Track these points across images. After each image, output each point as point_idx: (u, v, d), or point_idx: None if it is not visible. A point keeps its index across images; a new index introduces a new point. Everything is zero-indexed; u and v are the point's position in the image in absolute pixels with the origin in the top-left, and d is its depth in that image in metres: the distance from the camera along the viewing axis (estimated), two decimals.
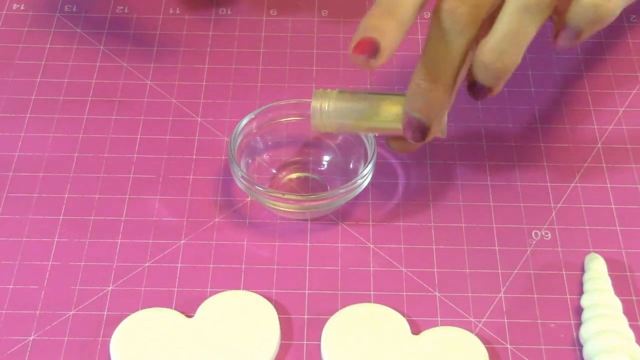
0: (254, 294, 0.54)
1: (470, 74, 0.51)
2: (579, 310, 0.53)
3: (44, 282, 0.55)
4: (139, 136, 0.62)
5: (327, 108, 0.54)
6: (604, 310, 0.52)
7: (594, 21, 0.49)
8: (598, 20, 0.49)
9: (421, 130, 0.52)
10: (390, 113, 0.53)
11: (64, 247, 0.56)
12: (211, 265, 0.56)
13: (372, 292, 0.54)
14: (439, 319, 0.53)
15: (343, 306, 0.53)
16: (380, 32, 0.49)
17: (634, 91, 0.65)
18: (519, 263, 0.56)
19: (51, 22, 0.70)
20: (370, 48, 0.49)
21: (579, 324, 0.53)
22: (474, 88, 0.51)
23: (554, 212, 0.58)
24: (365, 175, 0.56)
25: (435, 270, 0.55)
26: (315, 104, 0.54)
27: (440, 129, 0.53)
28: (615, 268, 0.55)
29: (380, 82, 0.65)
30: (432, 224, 0.58)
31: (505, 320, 0.53)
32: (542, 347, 0.52)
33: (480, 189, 0.59)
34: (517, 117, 0.63)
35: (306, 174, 0.60)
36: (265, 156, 0.60)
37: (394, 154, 0.61)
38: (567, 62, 0.67)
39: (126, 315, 0.52)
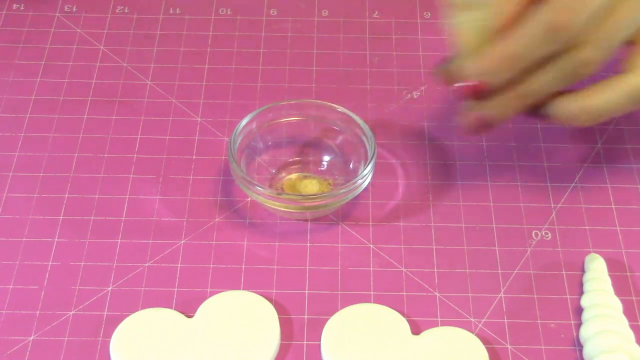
0: (254, 294, 0.54)
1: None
2: (579, 311, 0.53)
3: (44, 282, 0.55)
4: (139, 136, 0.62)
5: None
6: (604, 311, 0.52)
7: None
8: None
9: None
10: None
11: (64, 247, 0.56)
12: (211, 265, 0.56)
13: (372, 292, 0.54)
14: (439, 319, 0.53)
15: (343, 306, 0.53)
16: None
17: None
18: (519, 263, 0.56)
19: (51, 22, 0.70)
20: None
21: (579, 324, 0.53)
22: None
23: (554, 212, 0.58)
24: (365, 176, 0.56)
25: (435, 270, 0.55)
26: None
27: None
28: (615, 268, 0.55)
29: (379, 81, 0.65)
30: (432, 224, 0.58)
31: (505, 320, 0.53)
32: (542, 347, 0.52)
33: (480, 189, 0.59)
34: (517, 117, 0.63)
35: (306, 174, 0.60)
36: (265, 156, 0.60)
37: (394, 154, 0.61)
38: None
39: (126, 315, 0.52)
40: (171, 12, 0.71)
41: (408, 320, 0.52)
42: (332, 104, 0.59)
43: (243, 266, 0.56)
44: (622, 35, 0.52)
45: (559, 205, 0.59)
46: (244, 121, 0.58)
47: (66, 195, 0.59)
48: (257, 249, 0.56)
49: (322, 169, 0.60)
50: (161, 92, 0.65)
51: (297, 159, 0.60)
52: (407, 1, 0.71)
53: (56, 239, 0.57)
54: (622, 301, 0.53)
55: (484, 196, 0.59)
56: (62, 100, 0.64)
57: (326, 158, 0.60)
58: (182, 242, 0.57)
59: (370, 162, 0.56)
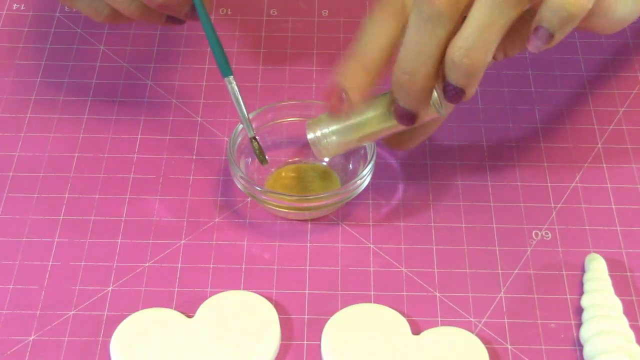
0: (254, 294, 0.54)
1: (444, 74, 0.50)
2: (579, 311, 0.53)
3: (44, 282, 0.55)
4: (139, 136, 0.62)
5: (323, 134, 0.54)
6: (604, 311, 0.52)
7: (564, 20, 0.47)
8: (569, 19, 0.47)
9: (409, 117, 0.52)
10: (382, 114, 0.53)
11: (64, 247, 0.56)
12: (211, 265, 0.56)
13: (372, 292, 0.54)
14: (439, 319, 0.53)
15: (343, 306, 0.53)
16: (349, 81, 0.52)
17: (634, 91, 0.65)
18: (519, 263, 0.56)
19: (51, 22, 0.70)
20: (339, 98, 0.53)
21: (579, 324, 0.53)
22: (447, 89, 0.50)
23: (554, 212, 0.58)
24: (365, 176, 0.56)
25: (435, 270, 0.55)
26: (311, 135, 0.54)
27: (429, 111, 0.53)
28: (615, 268, 0.55)
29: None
30: (432, 224, 0.58)
31: (506, 320, 0.53)
32: (542, 347, 0.52)
33: (480, 189, 0.59)
34: (517, 117, 0.63)
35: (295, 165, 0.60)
36: (265, 156, 0.60)
37: (394, 154, 0.61)
38: (567, 62, 0.67)
39: (126, 315, 0.52)
40: None
41: (408, 320, 0.52)
42: None
43: (243, 266, 0.56)
44: None
45: (559, 205, 0.59)
46: None
47: (66, 195, 0.59)
48: (257, 249, 0.56)
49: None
50: (161, 92, 0.65)
51: (297, 159, 0.60)
52: None
53: (56, 239, 0.57)
54: (622, 301, 0.53)
55: (484, 196, 0.59)
56: (62, 100, 0.64)
57: (326, 159, 0.60)
58: (182, 242, 0.57)
59: (369, 162, 0.56)
